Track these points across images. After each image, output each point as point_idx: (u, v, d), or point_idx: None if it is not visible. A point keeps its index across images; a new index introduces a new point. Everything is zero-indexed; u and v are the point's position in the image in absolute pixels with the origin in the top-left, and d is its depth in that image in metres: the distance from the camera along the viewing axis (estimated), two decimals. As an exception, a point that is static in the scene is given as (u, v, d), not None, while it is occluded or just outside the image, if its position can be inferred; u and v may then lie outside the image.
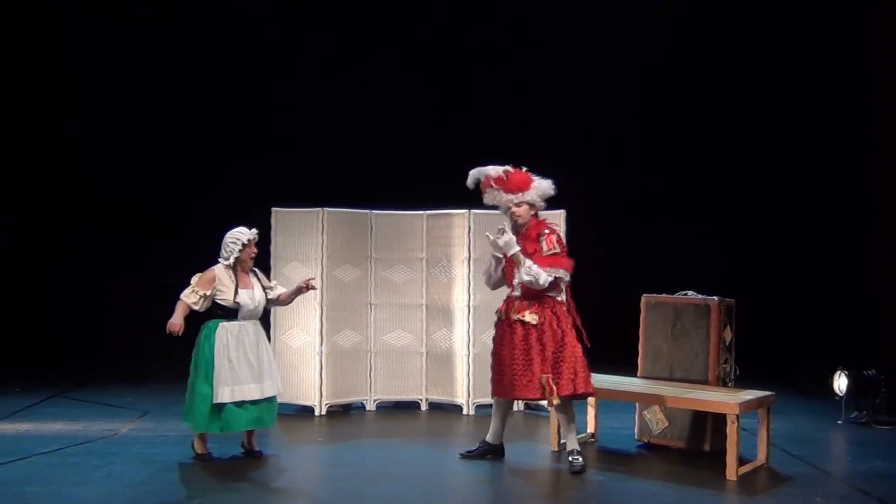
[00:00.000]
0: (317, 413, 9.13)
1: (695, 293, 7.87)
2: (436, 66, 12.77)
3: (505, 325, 7.08)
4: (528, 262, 6.87)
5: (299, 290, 7.56)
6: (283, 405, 9.21)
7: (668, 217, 12.56)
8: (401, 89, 12.76)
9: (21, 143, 12.52)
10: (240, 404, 7.15)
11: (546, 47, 12.78)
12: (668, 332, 7.85)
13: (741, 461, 6.88)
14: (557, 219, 8.94)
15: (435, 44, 12.68)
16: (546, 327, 6.90)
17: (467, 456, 7.36)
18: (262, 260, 9.11)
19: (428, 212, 9.51)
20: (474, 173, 7.17)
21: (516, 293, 7.04)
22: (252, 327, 7.34)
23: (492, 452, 7.34)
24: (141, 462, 7.21)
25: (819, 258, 11.91)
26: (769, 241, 12.37)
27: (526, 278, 6.87)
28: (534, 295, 6.95)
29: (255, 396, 7.23)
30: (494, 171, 7.11)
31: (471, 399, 9.24)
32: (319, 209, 9.20)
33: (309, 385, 9.21)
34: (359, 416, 9.31)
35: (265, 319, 9.03)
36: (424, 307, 9.53)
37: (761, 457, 7.22)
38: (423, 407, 9.54)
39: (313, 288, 7.62)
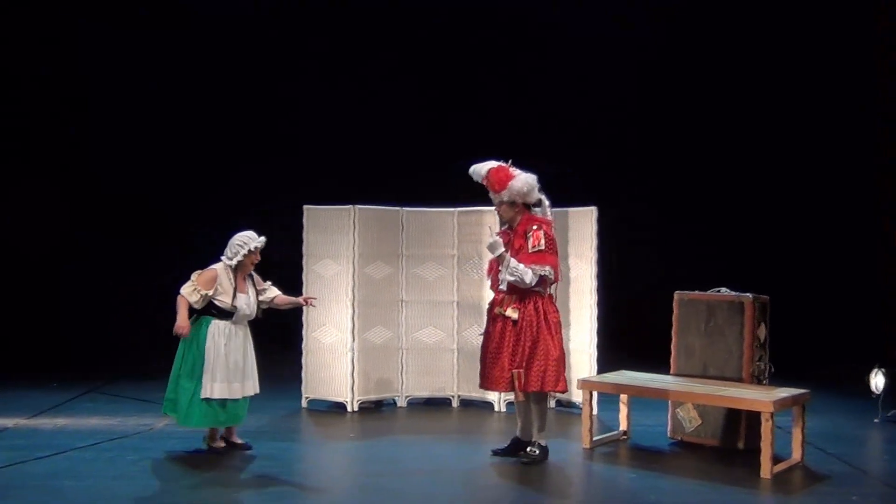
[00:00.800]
0: (349, 409, 9.14)
1: (728, 290, 7.79)
2: (436, 66, 12.78)
3: (489, 318, 7.22)
4: (513, 262, 6.92)
5: (297, 304, 7.71)
6: (316, 401, 9.35)
7: (668, 217, 12.56)
8: (401, 89, 12.77)
9: (21, 143, 12.49)
10: (223, 402, 7.25)
11: (546, 47, 12.78)
12: (702, 329, 7.78)
13: (776, 460, 6.81)
14: (588, 216, 8.99)
15: (435, 44, 12.68)
16: (524, 323, 6.97)
17: (499, 453, 7.36)
18: (293, 257, 9.34)
19: (459, 208, 9.47)
20: (472, 174, 7.25)
21: (502, 287, 7.10)
22: (242, 329, 7.41)
23: (523, 449, 7.30)
24: (176, 457, 7.29)
25: (845, 255, 11.82)
26: (772, 240, 12.33)
27: (510, 278, 6.94)
28: (518, 290, 7.01)
29: (238, 395, 7.34)
30: (483, 168, 7.17)
31: (502, 396, 9.16)
32: (351, 206, 9.21)
33: (341, 381, 9.22)
34: (390, 412, 9.30)
35: (297, 316, 9.28)
36: (455, 304, 9.51)
37: (796, 455, 7.16)
38: (455, 404, 9.51)
39: (312, 306, 7.79)
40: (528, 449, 7.16)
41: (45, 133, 12.64)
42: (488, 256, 7.63)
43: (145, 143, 12.61)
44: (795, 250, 12.16)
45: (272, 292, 7.57)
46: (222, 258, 7.28)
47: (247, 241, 7.25)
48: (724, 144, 12.50)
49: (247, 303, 7.30)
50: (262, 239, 7.31)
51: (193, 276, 7.19)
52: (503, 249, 7.01)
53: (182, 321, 7.08)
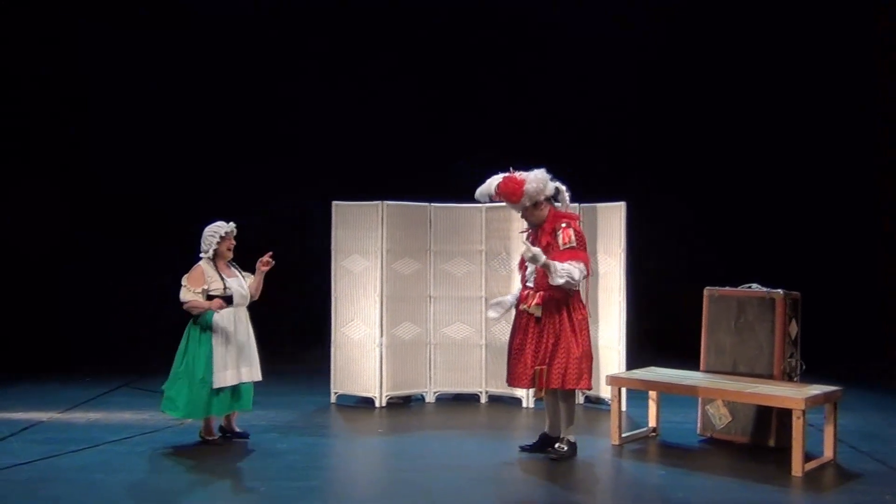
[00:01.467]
0: (377, 405, 9.16)
1: (759, 286, 7.76)
2: (436, 66, 12.82)
3: (516, 314, 7.25)
4: (558, 265, 6.80)
5: (259, 273, 7.62)
6: (344, 396, 9.40)
7: (667, 216, 12.63)
8: (401, 89, 12.80)
9: (21, 143, 12.43)
10: (234, 388, 7.46)
11: (546, 47, 12.84)
12: (732, 325, 7.73)
13: (807, 457, 6.77)
14: (617, 211, 8.96)
15: (435, 44, 12.73)
16: (547, 320, 6.98)
17: (527, 449, 7.38)
18: (323, 252, 9.39)
19: (487, 204, 9.41)
20: (480, 198, 7.28)
21: (529, 283, 7.12)
22: (244, 313, 7.60)
23: (551, 445, 7.27)
24: (207, 451, 7.38)
25: (877, 252, 11.85)
26: (805, 236, 12.26)
27: (560, 281, 6.81)
28: (545, 287, 6.98)
29: (246, 379, 7.53)
30: (490, 188, 7.13)
31: (530, 392, 9.06)
32: (379, 202, 9.24)
33: (369, 377, 9.24)
34: (418, 408, 9.33)
35: (325, 312, 9.37)
36: (484, 299, 9.47)
37: (828, 453, 7.09)
38: (483, 399, 9.52)
39: (271, 262, 7.59)
40: (556, 445, 7.20)
41: (45, 133, 12.58)
42: (516, 252, 7.62)
43: (145, 143, 12.59)
44: (828, 246, 12.01)
45: (248, 280, 7.69)
46: (201, 255, 7.49)
47: (216, 229, 7.48)
48: (724, 144, 12.60)
49: (239, 284, 7.51)
50: (232, 224, 7.52)
51: (184, 281, 7.38)
52: (544, 258, 6.83)
53: (206, 303, 7.29)
